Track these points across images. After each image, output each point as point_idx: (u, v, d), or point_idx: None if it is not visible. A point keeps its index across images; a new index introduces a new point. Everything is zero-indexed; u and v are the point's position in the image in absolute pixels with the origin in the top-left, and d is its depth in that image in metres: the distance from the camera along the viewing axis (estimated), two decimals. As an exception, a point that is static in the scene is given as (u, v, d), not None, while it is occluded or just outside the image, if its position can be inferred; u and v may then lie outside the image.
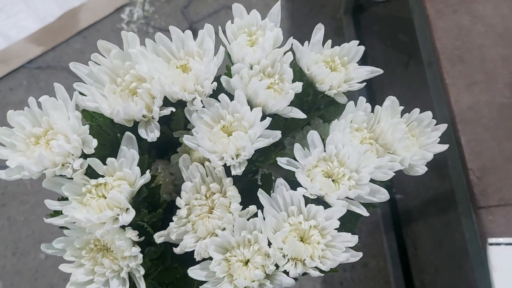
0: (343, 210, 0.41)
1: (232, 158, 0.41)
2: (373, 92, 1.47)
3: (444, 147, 0.48)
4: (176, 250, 0.41)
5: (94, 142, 0.41)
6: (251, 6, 1.87)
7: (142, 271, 0.41)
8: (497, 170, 0.75)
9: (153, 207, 0.46)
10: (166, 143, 0.49)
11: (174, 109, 0.42)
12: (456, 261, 1.23)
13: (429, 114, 0.48)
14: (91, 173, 0.42)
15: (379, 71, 0.48)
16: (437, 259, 1.26)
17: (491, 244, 0.69)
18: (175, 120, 0.45)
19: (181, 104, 0.44)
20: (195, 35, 0.45)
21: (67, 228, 0.42)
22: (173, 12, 1.78)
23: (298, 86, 0.44)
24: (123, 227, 0.41)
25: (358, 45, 0.47)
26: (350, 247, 0.41)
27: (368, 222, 1.32)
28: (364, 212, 0.42)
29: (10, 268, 1.37)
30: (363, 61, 0.48)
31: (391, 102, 0.47)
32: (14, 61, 1.71)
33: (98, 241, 0.41)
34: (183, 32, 0.44)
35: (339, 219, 0.41)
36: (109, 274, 0.41)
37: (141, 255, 0.41)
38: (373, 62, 1.50)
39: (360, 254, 0.41)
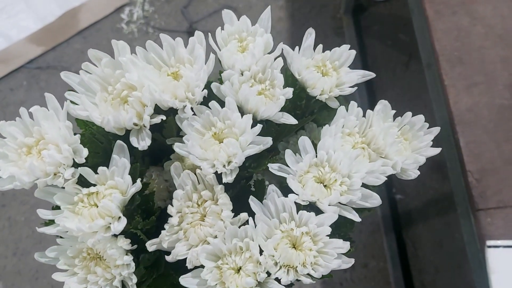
0: (334, 216, 0.41)
1: (223, 166, 0.41)
2: (373, 93, 1.46)
3: (437, 150, 0.48)
4: (168, 258, 0.41)
5: (85, 152, 0.41)
6: (251, 6, 1.86)
7: (135, 279, 0.41)
8: (496, 172, 0.74)
9: (147, 214, 0.46)
10: (159, 150, 0.49)
11: (164, 117, 0.42)
12: (456, 262, 1.22)
13: (421, 117, 0.47)
14: (84, 181, 0.42)
15: (371, 74, 0.48)
16: (437, 260, 1.26)
17: (490, 246, 0.68)
18: (167, 127, 0.45)
19: (172, 111, 0.44)
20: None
21: (61, 237, 0.42)
22: (173, 12, 1.77)
23: (289, 91, 0.44)
24: (115, 235, 0.41)
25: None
26: (342, 253, 0.41)
27: (368, 222, 1.32)
28: (356, 217, 0.42)
29: (11, 268, 1.38)
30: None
31: (383, 106, 0.47)
32: (14, 61, 1.71)
33: (91, 250, 0.42)
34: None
35: (334, 223, 0.41)
36: (102, 283, 0.41)
37: (133, 264, 0.41)
38: (373, 62, 1.50)
39: (352, 261, 0.41)
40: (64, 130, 0.40)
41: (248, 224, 0.41)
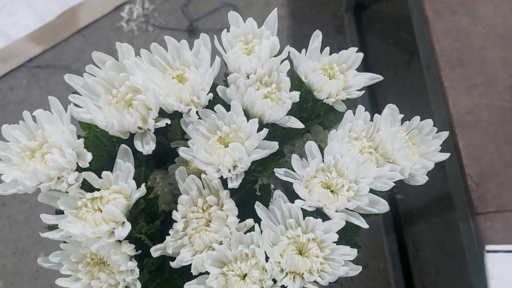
0: (342, 223, 0.40)
1: (229, 171, 0.41)
2: (374, 91, 1.46)
3: (446, 155, 0.47)
4: (173, 264, 0.41)
5: (89, 156, 0.40)
6: (252, 4, 1.85)
7: (139, 285, 0.41)
8: (496, 176, 0.73)
9: (151, 218, 0.45)
10: (164, 153, 0.49)
11: (169, 121, 0.42)
12: (458, 263, 1.22)
13: (429, 122, 0.47)
14: (88, 185, 0.42)
15: (379, 77, 0.48)
16: (438, 260, 1.25)
17: (489, 251, 0.67)
18: (172, 130, 0.44)
19: (177, 115, 0.43)
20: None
21: (64, 242, 0.41)
22: (173, 10, 1.76)
23: (296, 95, 0.43)
24: (119, 240, 0.41)
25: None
26: (350, 260, 0.40)
27: (368, 222, 1.31)
28: (363, 224, 0.42)
29: (11, 267, 1.37)
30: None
31: (390, 110, 0.46)
32: (14, 60, 1.70)
33: (94, 255, 0.41)
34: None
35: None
36: (105, 288, 0.40)
37: (137, 270, 0.41)
38: (375, 61, 1.49)
39: (360, 268, 0.41)
40: (67, 134, 0.40)
41: (254, 230, 0.40)
